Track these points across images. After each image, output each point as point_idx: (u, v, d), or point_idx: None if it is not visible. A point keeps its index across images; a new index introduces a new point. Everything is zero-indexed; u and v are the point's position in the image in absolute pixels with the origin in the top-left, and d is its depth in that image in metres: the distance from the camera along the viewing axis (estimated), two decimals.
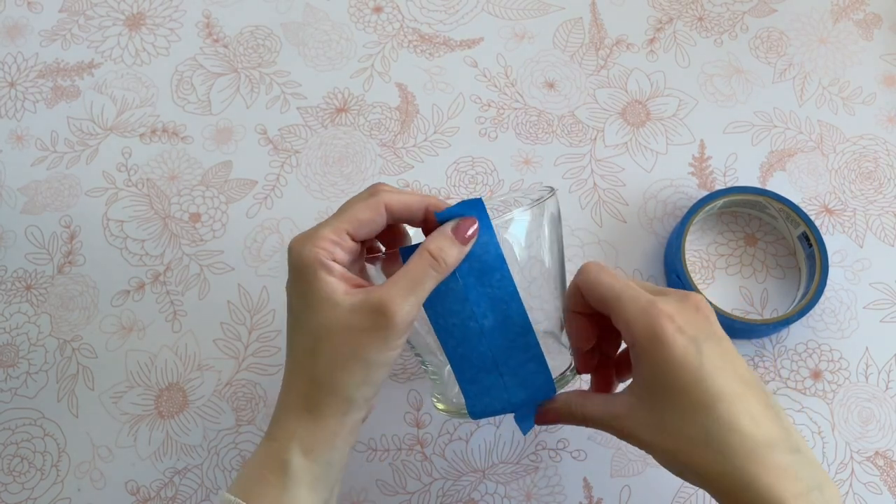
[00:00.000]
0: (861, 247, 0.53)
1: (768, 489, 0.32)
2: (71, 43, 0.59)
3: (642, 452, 0.47)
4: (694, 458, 0.34)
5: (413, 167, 0.55)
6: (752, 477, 0.32)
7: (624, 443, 0.47)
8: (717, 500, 0.35)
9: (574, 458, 0.48)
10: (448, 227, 0.36)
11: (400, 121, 0.56)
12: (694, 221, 0.51)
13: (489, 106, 0.57)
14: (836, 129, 0.56)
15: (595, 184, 0.55)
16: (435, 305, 0.37)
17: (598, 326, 0.39)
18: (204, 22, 0.59)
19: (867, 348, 0.50)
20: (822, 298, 0.51)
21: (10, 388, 0.50)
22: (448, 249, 0.35)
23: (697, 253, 0.53)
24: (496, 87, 0.57)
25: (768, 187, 0.54)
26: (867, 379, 0.50)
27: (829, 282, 0.52)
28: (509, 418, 0.49)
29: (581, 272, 0.38)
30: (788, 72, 0.58)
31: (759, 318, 0.51)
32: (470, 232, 0.36)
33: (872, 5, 0.60)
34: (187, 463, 0.49)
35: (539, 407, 0.39)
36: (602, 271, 0.37)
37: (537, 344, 0.38)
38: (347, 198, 0.54)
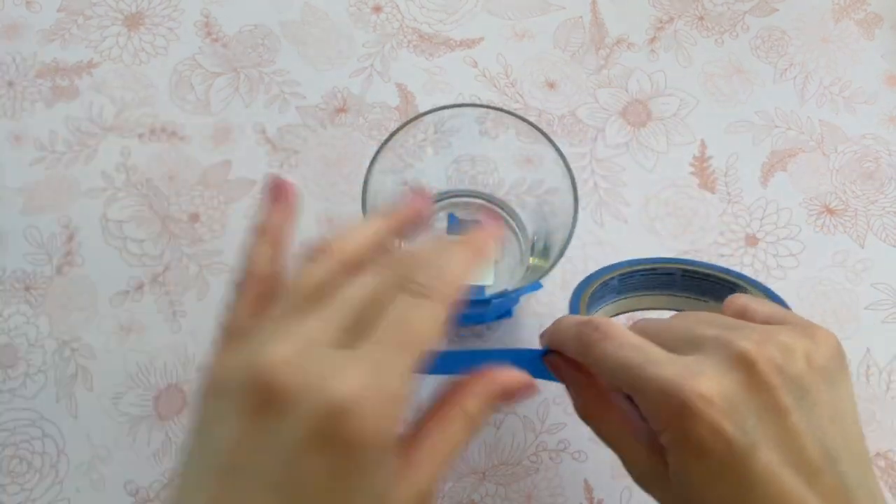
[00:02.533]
0: (862, 247, 0.53)
1: None
2: (69, 42, 0.59)
3: None
4: None
5: (413, 166, 0.55)
6: None
7: None
8: None
9: (575, 459, 0.48)
10: (495, 388, 0.26)
11: (399, 121, 0.56)
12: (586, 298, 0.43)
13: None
14: (838, 129, 0.56)
15: (596, 184, 0.54)
16: None
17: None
18: (203, 21, 0.59)
19: (868, 349, 0.50)
20: (815, 302, 0.51)
21: (8, 389, 0.50)
22: (486, 413, 0.26)
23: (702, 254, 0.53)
24: (496, 86, 0.57)
25: (769, 187, 0.54)
26: (868, 380, 0.50)
27: (829, 281, 0.52)
28: (511, 420, 0.49)
29: (595, 330, 0.28)
30: (789, 71, 0.57)
31: None
32: (519, 392, 0.27)
33: (874, 5, 0.59)
34: None
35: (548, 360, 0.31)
36: (608, 338, 0.27)
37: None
38: (347, 197, 0.54)
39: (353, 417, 0.20)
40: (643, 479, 0.28)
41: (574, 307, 0.36)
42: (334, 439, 0.20)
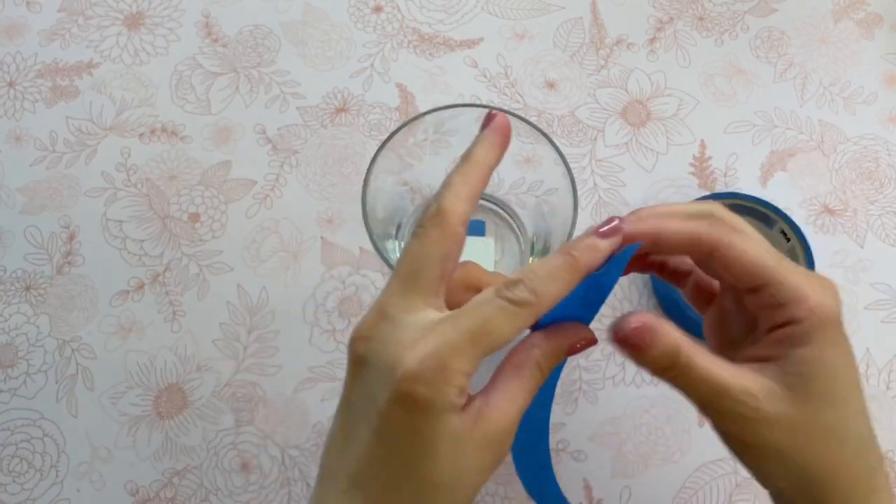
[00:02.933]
0: (862, 247, 0.53)
1: None
2: (70, 43, 0.59)
3: (643, 452, 0.47)
4: (838, 468, 0.29)
5: (413, 166, 0.55)
6: None
7: (623, 444, 0.47)
8: None
9: (574, 458, 0.48)
10: (565, 342, 0.30)
11: (399, 121, 0.56)
12: None
13: (489, 105, 0.56)
14: (837, 129, 0.56)
15: (595, 184, 0.55)
16: None
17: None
18: (203, 21, 0.59)
19: (868, 349, 0.50)
20: None
21: (9, 389, 0.50)
22: (555, 362, 0.30)
23: None
24: (496, 87, 0.57)
25: (768, 187, 0.54)
26: (868, 380, 0.50)
27: None
28: None
29: (717, 227, 0.30)
30: (789, 71, 0.57)
31: None
32: (580, 345, 0.30)
33: (873, 5, 0.59)
34: (186, 463, 0.49)
35: (629, 323, 0.29)
36: (748, 235, 0.30)
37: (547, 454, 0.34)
38: (347, 197, 0.54)
39: (410, 380, 0.26)
40: (767, 409, 0.29)
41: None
42: (400, 395, 0.26)
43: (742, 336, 0.33)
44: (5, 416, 0.50)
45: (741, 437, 0.30)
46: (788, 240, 0.50)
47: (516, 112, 0.56)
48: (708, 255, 0.30)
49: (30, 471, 0.49)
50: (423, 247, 0.29)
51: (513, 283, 0.28)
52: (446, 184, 0.30)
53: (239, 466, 0.48)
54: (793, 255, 0.50)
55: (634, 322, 0.29)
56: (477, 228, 0.36)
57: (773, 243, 0.51)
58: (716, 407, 0.30)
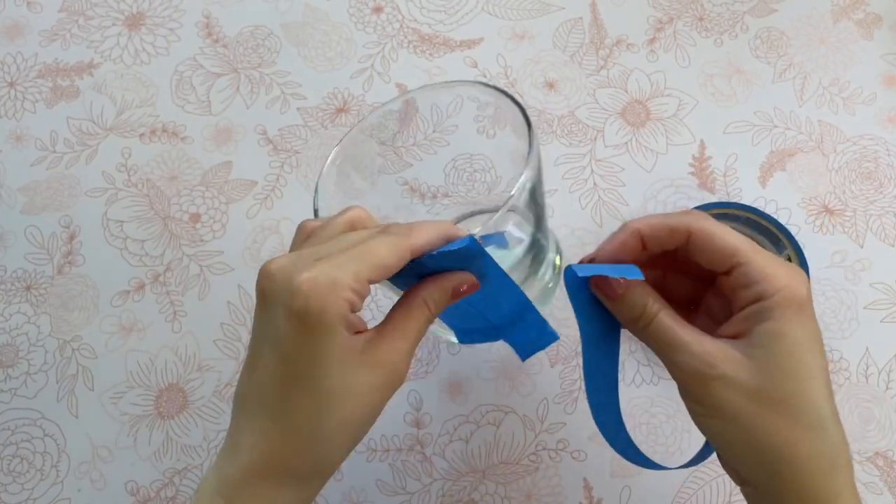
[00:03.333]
0: (861, 247, 0.53)
1: None
2: (70, 43, 0.59)
3: (643, 452, 0.47)
4: (790, 440, 0.31)
5: (412, 165, 0.55)
6: (841, 489, 0.31)
7: None
8: (777, 493, 0.32)
9: (574, 458, 0.48)
10: (448, 283, 0.33)
11: (400, 121, 0.56)
12: None
13: (488, 105, 0.57)
14: (837, 129, 0.56)
15: (595, 184, 0.55)
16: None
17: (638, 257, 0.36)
18: (204, 22, 0.59)
19: (867, 348, 0.50)
20: (814, 302, 0.51)
21: (9, 389, 0.50)
22: (441, 302, 0.33)
23: None
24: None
25: (768, 187, 0.54)
26: (867, 379, 0.50)
27: (828, 281, 0.52)
28: (510, 419, 0.49)
29: (695, 217, 0.34)
30: (788, 72, 0.57)
31: None
32: (465, 288, 0.33)
33: (873, 5, 0.60)
34: (187, 463, 0.49)
35: (603, 276, 0.34)
36: (721, 224, 0.34)
37: (535, 311, 0.37)
38: (347, 198, 0.54)
39: (304, 297, 0.29)
40: (727, 372, 0.32)
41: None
42: (296, 312, 0.29)
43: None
44: (6, 415, 0.50)
45: (698, 395, 0.33)
46: (784, 247, 0.50)
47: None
48: (685, 240, 0.33)
49: (30, 470, 0.49)
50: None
51: (390, 224, 0.33)
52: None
53: None
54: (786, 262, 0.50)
55: (606, 283, 0.34)
56: (498, 240, 0.36)
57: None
58: (674, 359, 0.33)
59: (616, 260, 0.35)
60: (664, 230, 0.34)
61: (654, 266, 0.36)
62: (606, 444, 0.48)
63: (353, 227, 0.34)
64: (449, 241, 0.33)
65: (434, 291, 0.33)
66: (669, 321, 0.33)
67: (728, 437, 0.33)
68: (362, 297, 0.31)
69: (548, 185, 0.55)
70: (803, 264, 0.49)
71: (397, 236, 0.32)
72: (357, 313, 0.31)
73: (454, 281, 0.33)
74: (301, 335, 0.30)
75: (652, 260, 0.36)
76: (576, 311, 0.36)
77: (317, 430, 0.31)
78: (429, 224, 0.33)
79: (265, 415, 0.32)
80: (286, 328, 0.30)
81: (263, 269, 0.31)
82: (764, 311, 0.32)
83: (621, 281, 0.34)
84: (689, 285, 0.37)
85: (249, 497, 0.32)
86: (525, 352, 0.39)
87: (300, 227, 0.35)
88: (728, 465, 0.35)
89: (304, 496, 0.33)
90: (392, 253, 0.31)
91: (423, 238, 0.32)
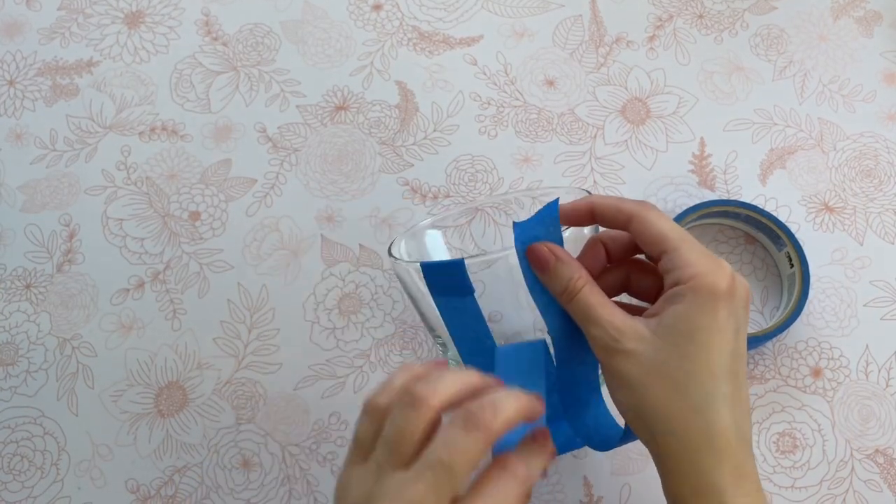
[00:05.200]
0: (861, 244, 0.53)
1: (721, 487, 0.33)
2: (70, 41, 0.59)
3: (643, 450, 0.47)
4: (674, 415, 0.34)
5: (413, 165, 0.55)
6: (713, 468, 0.33)
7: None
8: (661, 460, 0.35)
9: (574, 456, 0.48)
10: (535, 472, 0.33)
11: (399, 119, 0.56)
12: None
13: (489, 104, 0.57)
14: (837, 127, 0.56)
15: (595, 181, 0.55)
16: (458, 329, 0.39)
17: (604, 264, 0.39)
18: (203, 20, 0.59)
19: (867, 346, 0.50)
20: (814, 300, 0.51)
21: (9, 387, 0.50)
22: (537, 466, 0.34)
23: None
24: (496, 84, 0.57)
25: (768, 185, 0.54)
26: (867, 377, 0.50)
27: (828, 279, 0.52)
28: None
29: (639, 204, 0.37)
30: (788, 69, 0.57)
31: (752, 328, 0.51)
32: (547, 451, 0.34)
33: (872, 2, 0.60)
34: (187, 461, 0.49)
35: (542, 244, 0.37)
36: (664, 214, 0.37)
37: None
38: (347, 195, 0.54)
39: None
40: (627, 347, 0.34)
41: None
42: None
43: None
44: (6, 414, 0.50)
45: (606, 366, 0.35)
46: (792, 266, 0.50)
47: (515, 108, 0.56)
48: (627, 223, 0.36)
49: (30, 469, 0.49)
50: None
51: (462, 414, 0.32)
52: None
53: (239, 464, 0.49)
54: (786, 260, 0.50)
55: (549, 247, 0.36)
56: (550, 209, 0.37)
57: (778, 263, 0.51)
58: (590, 332, 0.35)
59: (587, 268, 0.37)
60: (613, 209, 0.37)
61: (620, 267, 0.39)
62: None
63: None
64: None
65: (526, 455, 0.33)
66: (591, 297, 0.35)
67: (626, 405, 0.35)
68: None
69: (547, 183, 0.55)
70: (803, 262, 0.49)
71: (479, 432, 0.31)
72: None
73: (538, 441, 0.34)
74: None
75: (618, 264, 0.39)
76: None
77: None
78: (512, 402, 0.32)
79: None
80: None
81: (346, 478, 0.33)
82: (677, 294, 0.34)
83: (551, 254, 0.36)
84: (652, 283, 0.39)
85: None
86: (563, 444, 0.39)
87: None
88: (623, 414, 0.37)
89: None
90: (474, 462, 0.31)
91: (505, 426, 0.31)
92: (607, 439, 0.40)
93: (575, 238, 0.40)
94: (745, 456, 0.34)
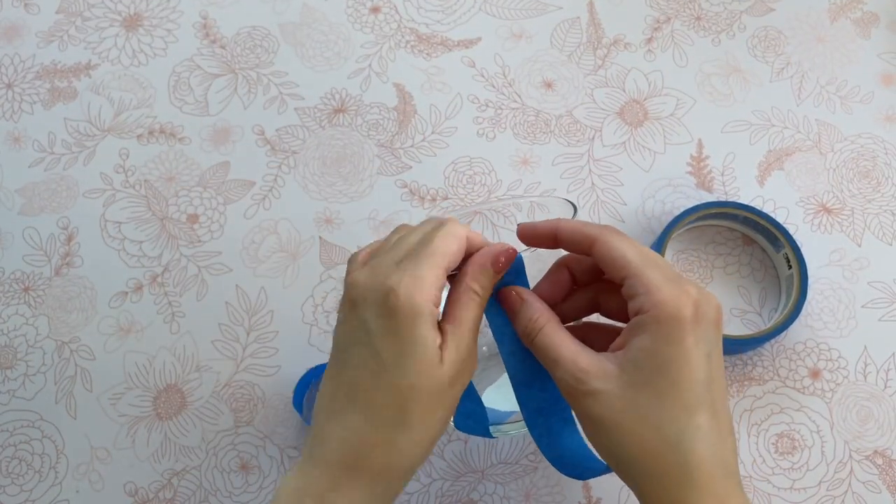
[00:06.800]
0: (859, 245, 0.53)
1: None
2: (68, 44, 0.59)
3: None
4: (649, 454, 0.33)
5: (411, 167, 0.55)
6: (697, 501, 0.32)
7: None
8: (645, 501, 0.34)
9: None
10: (488, 264, 0.35)
11: (398, 121, 0.56)
12: (673, 235, 0.51)
13: (487, 106, 0.57)
14: (834, 128, 0.56)
15: (593, 183, 0.55)
16: None
17: (570, 288, 0.38)
18: (201, 23, 0.59)
19: (866, 347, 0.50)
20: (813, 301, 0.51)
21: (7, 390, 0.50)
22: (485, 280, 0.35)
23: (696, 252, 0.53)
24: (494, 86, 0.57)
25: (766, 186, 0.54)
26: (866, 378, 0.50)
27: (826, 280, 0.52)
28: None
29: (603, 228, 0.36)
30: (786, 71, 0.58)
31: (737, 333, 0.51)
32: (503, 260, 0.35)
33: (870, 4, 0.60)
34: (186, 464, 0.49)
35: (511, 288, 0.37)
36: (627, 238, 0.36)
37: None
38: (345, 197, 0.54)
39: (395, 296, 0.32)
40: (595, 387, 0.33)
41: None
42: (389, 309, 0.32)
43: None
44: (4, 417, 0.50)
45: (574, 408, 0.35)
46: (790, 267, 0.50)
47: (514, 110, 0.56)
48: (590, 247, 0.35)
49: (29, 472, 0.49)
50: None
51: (432, 218, 0.37)
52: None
53: (238, 467, 0.48)
54: (784, 261, 0.50)
55: (517, 290, 0.36)
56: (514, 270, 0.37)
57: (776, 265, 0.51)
58: (554, 374, 0.34)
59: (552, 294, 0.37)
60: (578, 234, 0.36)
61: (588, 287, 0.38)
62: None
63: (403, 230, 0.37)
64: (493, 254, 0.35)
65: (475, 272, 0.35)
66: (551, 337, 0.34)
67: (600, 447, 0.34)
68: (441, 289, 0.34)
69: (546, 185, 0.55)
70: (801, 263, 0.49)
71: (452, 225, 0.35)
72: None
73: (489, 255, 0.35)
74: (392, 330, 0.33)
75: (584, 288, 0.38)
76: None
77: (401, 423, 0.33)
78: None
79: (353, 409, 0.34)
80: (378, 325, 0.33)
81: (351, 280, 0.35)
82: (640, 324, 0.33)
83: (518, 297, 0.36)
84: (621, 302, 0.38)
85: (340, 493, 0.33)
86: (557, 461, 0.39)
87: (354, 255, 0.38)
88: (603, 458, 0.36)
89: (389, 491, 0.34)
90: (455, 243, 0.34)
91: (471, 234, 0.35)
92: (583, 471, 0.39)
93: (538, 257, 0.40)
94: (730, 489, 0.33)
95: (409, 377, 0.33)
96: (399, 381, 0.33)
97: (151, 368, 0.50)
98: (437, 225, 0.35)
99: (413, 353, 0.33)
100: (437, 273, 0.33)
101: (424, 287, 0.32)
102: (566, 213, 0.41)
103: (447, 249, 0.34)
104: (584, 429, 0.35)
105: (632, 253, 0.34)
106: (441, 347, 0.33)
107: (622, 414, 0.33)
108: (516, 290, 0.36)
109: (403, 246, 0.35)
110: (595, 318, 0.40)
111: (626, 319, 0.36)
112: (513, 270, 0.36)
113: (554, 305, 0.37)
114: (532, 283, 0.38)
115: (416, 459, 0.34)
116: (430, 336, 0.33)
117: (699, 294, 0.33)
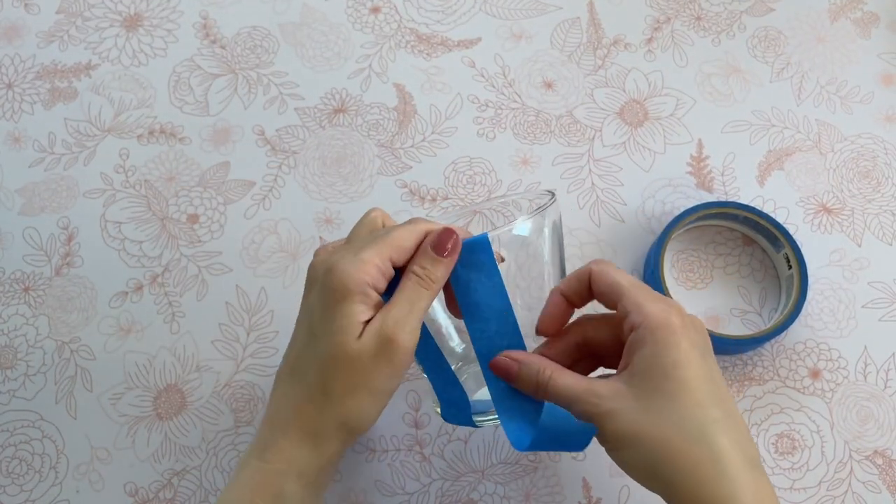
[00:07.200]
0: (859, 245, 0.53)
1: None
2: (68, 44, 0.59)
3: None
4: (677, 452, 0.34)
5: (411, 167, 0.55)
6: (733, 490, 0.33)
7: None
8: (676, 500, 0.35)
9: (573, 458, 0.48)
10: (427, 246, 0.37)
11: (398, 121, 0.56)
12: (673, 235, 0.51)
13: (487, 106, 0.57)
14: (834, 128, 0.56)
15: (593, 183, 0.55)
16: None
17: (568, 316, 0.40)
18: (201, 23, 0.59)
19: (866, 347, 0.50)
20: (813, 301, 0.51)
21: (8, 390, 0.50)
22: (432, 267, 0.37)
23: (696, 252, 0.53)
24: (494, 87, 0.57)
25: (766, 186, 0.54)
26: (866, 378, 0.50)
27: (826, 280, 0.52)
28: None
29: (597, 261, 0.39)
30: (786, 71, 0.58)
31: (737, 333, 0.51)
32: (449, 245, 0.37)
33: (870, 4, 0.60)
34: (186, 464, 0.49)
35: (500, 355, 0.38)
36: (608, 265, 0.39)
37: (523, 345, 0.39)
38: (345, 197, 0.54)
39: (332, 273, 0.36)
40: (611, 406, 0.35)
41: None
42: (325, 286, 0.36)
43: None
44: (4, 417, 0.50)
45: (599, 435, 0.36)
46: (790, 268, 0.50)
47: (514, 110, 0.56)
48: (588, 280, 0.39)
49: (29, 472, 0.49)
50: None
51: (414, 218, 0.39)
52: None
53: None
54: (784, 261, 0.50)
55: (507, 355, 0.38)
56: (481, 247, 0.37)
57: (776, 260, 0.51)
58: (574, 411, 0.36)
59: (557, 320, 0.40)
60: (574, 280, 0.39)
61: (576, 327, 0.41)
62: None
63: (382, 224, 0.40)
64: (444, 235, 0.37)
65: (418, 255, 0.37)
66: (562, 381, 0.37)
67: (627, 462, 0.36)
68: (385, 274, 0.36)
69: (546, 185, 0.55)
70: (801, 263, 0.49)
71: (415, 223, 0.38)
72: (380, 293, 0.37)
73: (430, 239, 0.37)
74: (324, 305, 0.36)
75: (571, 327, 0.40)
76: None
77: (324, 392, 0.36)
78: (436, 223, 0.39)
79: (291, 381, 0.38)
80: (315, 302, 0.37)
81: (310, 263, 0.39)
82: (638, 339, 0.36)
83: (514, 361, 0.38)
84: (608, 332, 0.40)
85: (275, 452, 0.37)
86: (518, 438, 0.39)
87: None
88: (633, 477, 0.37)
89: (324, 451, 0.37)
90: (410, 236, 0.37)
91: (433, 226, 0.38)
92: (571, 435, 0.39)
93: (520, 240, 0.41)
94: (757, 475, 0.35)
95: (329, 349, 0.36)
96: (322, 353, 0.36)
97: (151, 368, 0.51)
98: (408, 222, 0.38)
99: (333, 328, 0.36)
100: (380, 258, 0.36)
101: (361, 267, 0.35)
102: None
103: (398, 241, 0.37)
104: (611, 454, 0.37)
105: (622, 278, 0.38)
106: (365, 324, 0.36)
107: (641, 423, 0.34)
108: (507, 356, 0.38)
109: (367, 237, 0.38)
110: (591, 307, 0.41)
111: (612, 351, 0.39)
112: (476, 249, 0.37)
113: (556, 335, 0.40)
114: (525, 275, 0.39)
115: (352, 426, 0.37)
116: (354, 311, 0.36)
117: (681, 308, 0.37)
